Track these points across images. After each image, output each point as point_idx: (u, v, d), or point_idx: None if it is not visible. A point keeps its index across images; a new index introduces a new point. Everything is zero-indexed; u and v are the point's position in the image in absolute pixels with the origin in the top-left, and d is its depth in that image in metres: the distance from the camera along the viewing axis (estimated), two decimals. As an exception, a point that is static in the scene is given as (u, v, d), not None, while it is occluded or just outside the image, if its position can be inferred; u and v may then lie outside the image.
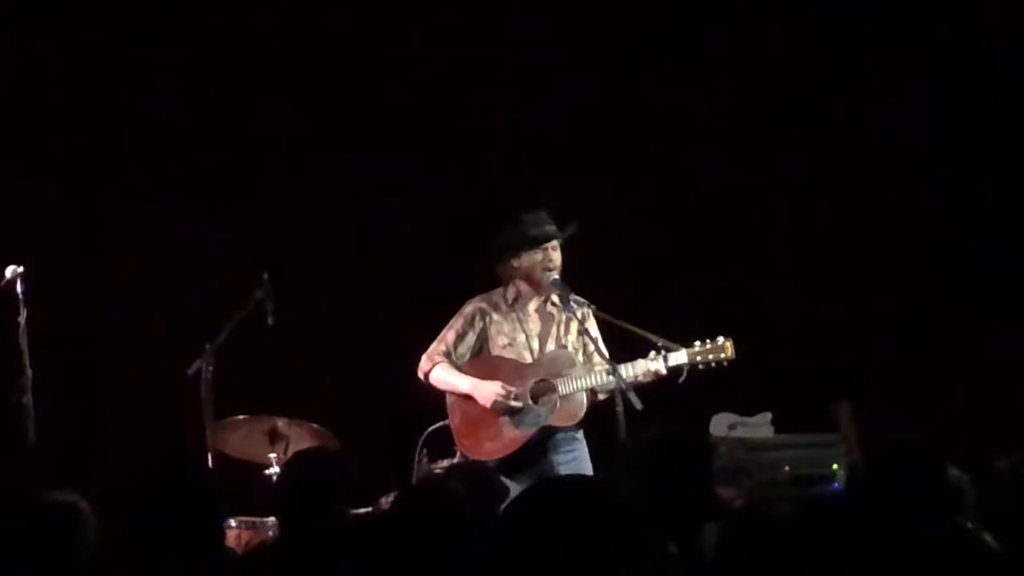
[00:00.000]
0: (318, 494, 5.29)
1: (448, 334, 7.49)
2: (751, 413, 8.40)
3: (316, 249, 9.21)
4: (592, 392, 7.29)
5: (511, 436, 7.33)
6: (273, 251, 8.62)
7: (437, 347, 7.48)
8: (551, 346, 7.45)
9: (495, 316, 7.48)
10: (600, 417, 7.29)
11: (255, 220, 9.13)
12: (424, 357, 7.49)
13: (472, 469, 6.78)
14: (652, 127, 9.42)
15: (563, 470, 7.22)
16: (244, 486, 7.40)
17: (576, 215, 7.43)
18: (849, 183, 9.40)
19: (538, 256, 7.38)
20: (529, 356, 7.43)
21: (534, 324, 7.48)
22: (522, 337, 7.46)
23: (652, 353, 7.18)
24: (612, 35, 9.43)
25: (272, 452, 7.52)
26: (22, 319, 7.45)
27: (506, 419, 7.34)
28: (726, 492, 7.20)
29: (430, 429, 7.50)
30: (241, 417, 7.64)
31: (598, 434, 7.33)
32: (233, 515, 7.23)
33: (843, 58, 9.39)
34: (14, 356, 7.44)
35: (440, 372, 7.43)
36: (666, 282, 9.12)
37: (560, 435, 7.34)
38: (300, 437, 7.50)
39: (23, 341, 7.44)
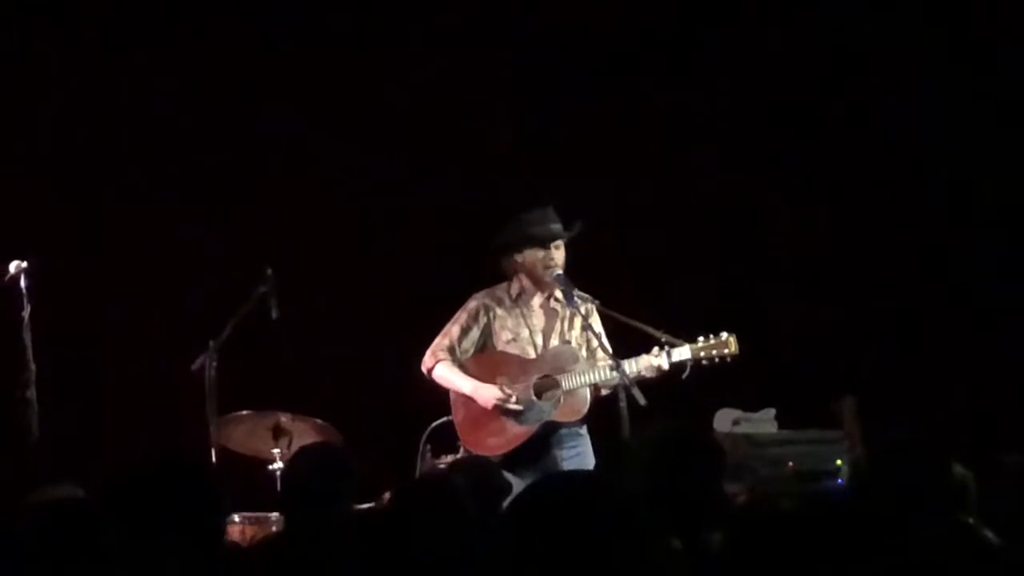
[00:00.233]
0: (322, 489, 5.29)
1: (452, 329, 7.49)
2: (755, 409, 8.39)
3: (319, 245, 9.21)
4: (595, 388, 7.30)
5: (514, 432, 7.33)
6: (276, 247, 8.61)
7: (441, 342, 7.49)
8: (555, 341, 7.45)
9: (499, 311, 7.49)
10: (604, 413, 7.29)
11: (258, 215, 9.12)
12: (428, 352, 7.49)
13: (475, 465, 6.79)
14: (652, 127, 9.42)
15: (566, 466, 7.23)
16: (248, 481, 7.41)
17: (577, 214, 7.43)
18: (850, 180, 9.40)
19: (540, 253, 7.38)
20: (533, 351, 7.44)
21: (538, 319, 7.49)
22: (526, 332, 7.46)
23: (656, 349, 7.18)
24: (612, 35, 9.43)
25: (275, 448, 7.53)
26: (26, 314, 7.45)
27: (509, 415, 7.35)
28: (730, 488, 7.19)
29: (433, 425, 7.51)
30: (245, 412, 7.65)
31: (602, 430, 7.33)
32: (237, 510, 7.24)
33: (843, 58, 9.39)
34: (18, 351, 7.44)
35: (443, 370, 7.43)
36: (668, 278, 9.12)
37: (563, 431, 7.35)
38: (303, 433, 7.51)
39: (27, 336, 7.44)
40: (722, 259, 9.41)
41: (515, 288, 7.50)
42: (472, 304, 7.53)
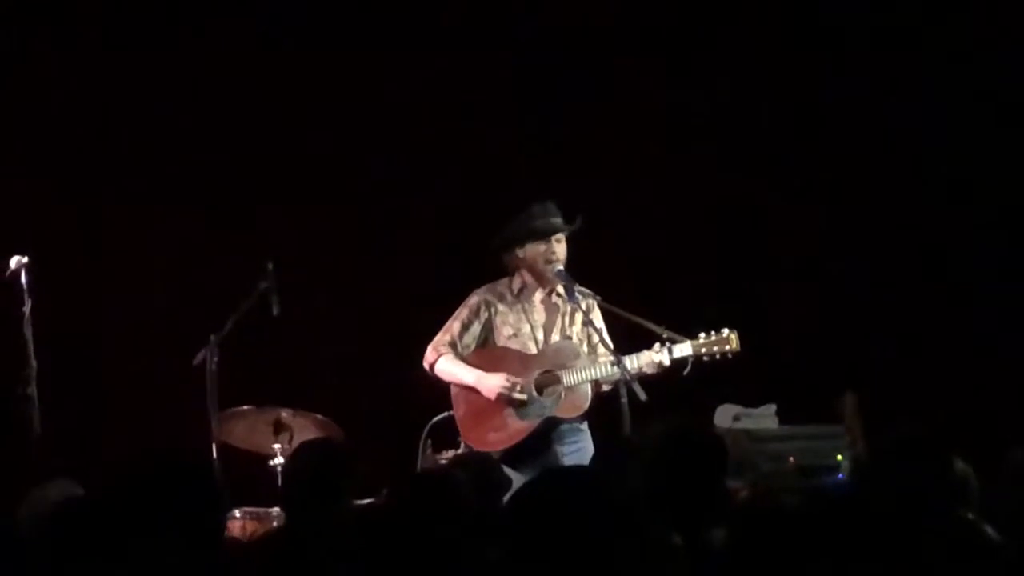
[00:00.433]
0: (323, 485, 5.29)
1: (453, 325, 7.49)
2: (755, 404, 8.39)
3: (320, 240, 9.21)
4: (596, 384, 7.29)
5: (515, 427, 7.33)
6: (277, 242, 8.61)
7: (442, 338, 7.49)
8: (556, 337, 7.45)
9: (500, 307, 7.49)
10: (605, 409, 7.29)
11: (259, 211, 9.12)
12: (429, 348, 7.49)
13: (475, 460, 6.78)
14: (652, 125, 9.41)
15: (567, 461, 7.23)
16: (248, 477, 7.41)
17: (578, 211, 7.43)
18: (850, 177, 9.40)
19: (541, 248, 7.38)
20: (534, 347, 7.44)
21: (539, 315, 7.49)
22: (527, 328, 7.46)
23: (657, 345, 7.18)
24: (612, 35, 9.43)
25: (276, 443, 7.52)
26: (27, 309, 7.45)
27: (510, 410, 7.35)
28: (730, 484, 7.19)
29: (434, 420, 7.51)
30: (246, 408, 7.65)
31: (603, 426, 7.33)
32: (237, 506, 7.25)
33: (841, 56, 9.39)
34: (19, 346, 7.45)
35: (445, 363, 7.44)
36: (669, 275, 9.12)
37: (564, 426, 7.35)
38: (304, 428, 7.50)
39: (28, 331, 7.45)
40: (723, 255, 9.41)
41: (516, 284, 7.50)
42: (473, 300, 7.53)
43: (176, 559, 4.04)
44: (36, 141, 8.98)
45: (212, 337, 7.44)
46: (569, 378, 7.29)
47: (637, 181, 9.41)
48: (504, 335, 7.46)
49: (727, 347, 7.20)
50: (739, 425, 8.29)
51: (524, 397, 7.30)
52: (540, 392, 7.33)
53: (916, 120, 9.31)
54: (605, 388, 7.30)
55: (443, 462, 7.24)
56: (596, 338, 7.32)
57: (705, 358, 7.19)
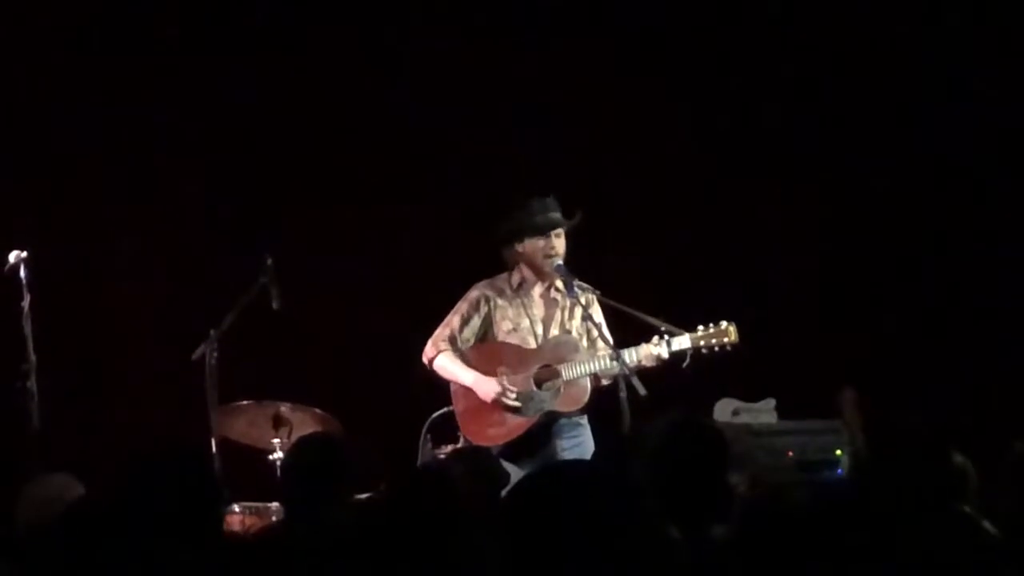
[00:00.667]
0: (322, 480, 5.29)
1: (453, 319, 7.49)
2: (755, 399, 8.39)
3: (320, 235, 9.21)
4: (596, 378, 7.29)
5: (515, 422, 7.34)
6: (277, 236, 8.62)
7: (442, 332, 7.49)
8: (555, 331, 7.46)
9: (499, 301, 7.49)
10: (604, 403, 7.29)
11: (259, 205, 9.13)
12: (429, 343, 7.50)
13: (473, 454, 6.79)
14: (652, 122, 9.41)
15: (567, 455, 7.23)
16: (248, 471, 7.41)
17: (579, 202, 7.43)
18: (851, 170, 9.40)
19: (541, 242, 7.38)
20: (533, 341, 7.44)
21: (538, 309, 7.49)
22: (526, 322, 7.46)
23: (655, 338, 7.18)
24: (614, 34, 9.43)
25: (276, 437, 7.53)
26: (25, 304, 7.45)
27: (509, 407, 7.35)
28: (729, 478, 7.20)
29: (435, 415, 7.51)
30: (245, 402, 7.65)
31: (602, 420, 7.33)
32: (237, 500, 7.25)
33: (839, 53, 9.41)
34: (18, 341, 7.45)
35: (444, 361, 7.44)
36: (668, 269, 9.11)
37: (564, 421, 7.35)
38: (304, 422, 7.51)
39: (27, 326, 7.45)
40: (724, 244, 9.41)
41: (516, 278, 7.51)
42: (473, 294, 7.53)
43: (175, 553, 4.04)
44: (35, 136, 8.97)
45: (211, 332, 7.44)
46: (568, 372, 7.29)
47: (638, 169, 9.41)
48: (503, 329, 7.46)
49: (726, 339, 7.19)
50: (738, 420, 8.29)
51: (519, 405, 7.30)
52: (539, 386, 7.33)
53: (916, 116, 9.32)
54: (605, 382, 7.30)
55: (442, 456, 7.25)
56: (595, 332, 7.32)
57: (704, 351, 7.19)
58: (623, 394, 7.05)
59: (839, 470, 7.97)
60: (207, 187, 9.13)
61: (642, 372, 7.05)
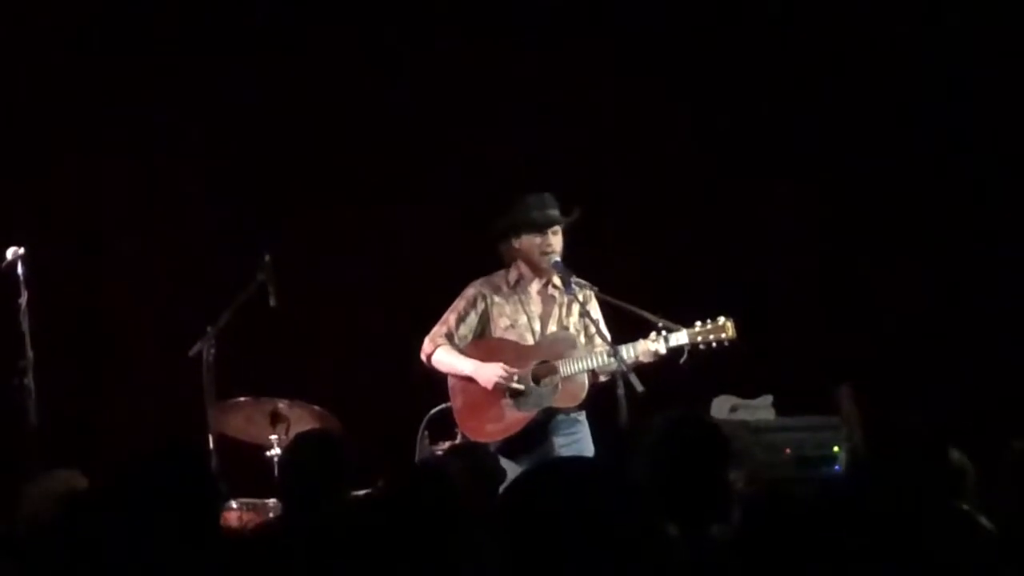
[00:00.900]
0: (320, 476, 5.29)
1: (450, 316, 7.50)
2: (752, 395, 8.39)
3: (317, 232, 9.21)
4: (593, 374, 7.29)
5: (513, 418, 7.34)
6: (275, 233, 8.62)
7: (439, 329, 7.50)
8: (552, 328, 7.46)
9: (497, 298, 7.49)
10: (602, 400, 7.29)
11: (257, 202, 9.13)
12: (426, 339, 7.50)
13: (471, 450, 6.79)
14: (651, 118, 9.41)
15: (563, 452, 7.23)
16: (245, 468, 7.41)
17: (578, 201, 7.43)
18: (849, 165, 9.40)
19: (537, 239, 7.39)
20: (531, 338, 7.44)
21: (536, 306, 7.49)
22: (524, 319, 7.46)
23: (653, 334, 7.17)
24: (613, 33, 9.43)
25: (273, 434, 7.53)
26: (23, 300, 7.45)
27: (508, 401, 7.35)
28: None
29: (432, 411, 7.51)
30: (242, 399, 7.65)
31: (600, 417, 7.33)
32: (234, 497, 7.25)
33: (837, 49, 9.42)
34: (15, 338, 7.44)
35: (442, 354, 7.44)
36: (666, 265, 9.12)
37: (561, 417, 7.35)
38: (301, 419, 7.51)
39: (24, 323, 7.44)
40: (722, 240, 9.41)
41: (513, 275, 7.51)
42: (470, 291, 7.53)
43: (173, 550, 4.04)
44: (33, 133, 8.97)
45: (209, 328, 7.45)
46: (566, 368, 7.29)
47: (637, 165, 9.42)
48: (501, 326, 7.47)
49: (723, 335, 7.19)
50: (736, 416, 8.29)
51: (521, 387, 7.30)
52: (537, 382, 7.33)
53: (916, 113, 9.32)
54: (602, 378, 7.30)
55: (439, 453, 7.25)
56: (593, 329, 7.32)
57: (701, 346, 7.18)
58: (621, 391, 7.04)
59: (837, 466, 7.97)
60: (207, 186, 9.13)
61: (640, 368, 7.05)
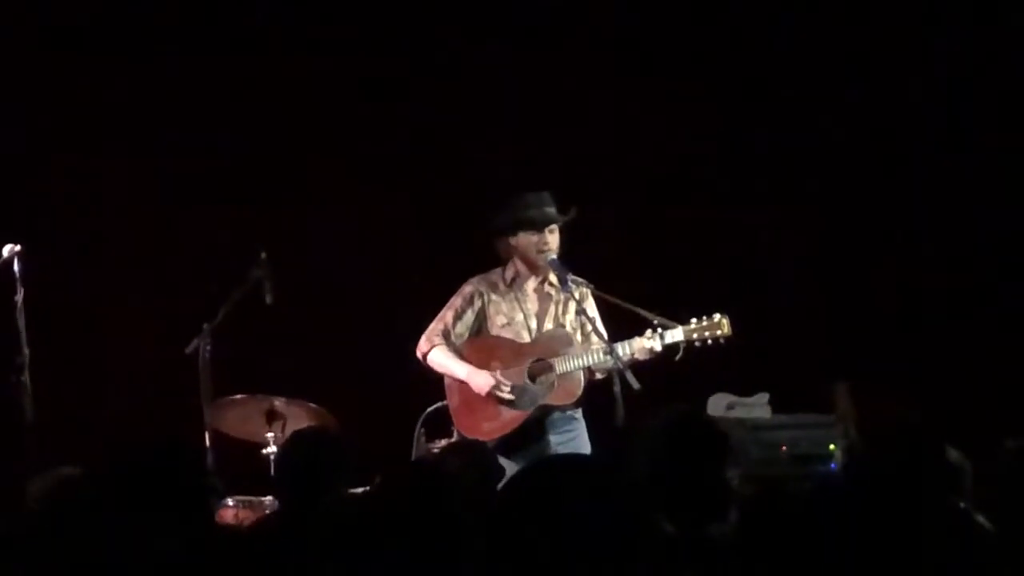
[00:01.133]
0: (316, 474, 5.29)
1: (447, 314, 7.49)
2: (749, 393, 8.40)
3: (313, 229, 9.21)
4: (589, 371, 7.29)
5: (509, 416, 7.33)
6: (271, 231, 8.61)
7: (436, 327, 7.49)
8: (549, 325, 7.45)
9: (493, 296, 7.48)
10: (598, 398, 7.29)
11: (253, 199, 9.12)
12: (423, 337, 7.49)
13: (468, 448, 6.78)
14: (651, 116, 9.41)
15: (561, 450, 7.22)
16: (241, 465, 7.41)
17: (576, 199, 7.42)
18: (846, 164, 9.40)
19: (534, 237, 7.38)
20: (527, 335, 7.44)
21: (532, 304, 7.48)
22: (520, 317, 7.46)
23: (649, 331, 7.17)
24: (612, 32, 9.43)
25: (269, 432, 7.53)
26: (19, 298, 7.44)
27: (503, 401, 7.35)
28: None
29: (429, 409, 7.51)
30: (239, 396, 7.65)
31: (596, 414, 7.33)
32: (230, 494, 7.25)
33: (835, 47, 9.42)
34: (11, 335, 7.44)
35: (438, 355, 7.43)
36: (662, 262, 9.12)
37: (558, 414, 7.35)
38: (297, 416, 7.51)
39: (20, 320, 7.44)
40: (720, 238, 9.41)
41: (509, 272, 7.50)
42: (467, 289, 7.53)
43: (169, 544, 4.04)
44: (30, 130, 8.97)
45: (205, 326, 7.45)
46: (562, 366, 7.29)
47: (633, 161, 9.42)
48: (497, 324, 7.46)
49: (718, 332, 7.19)
50: (732, 414, 8.30)
51: (512, 397, 7.30)
52: (533, 380, 7.33)
53: (915, 111, 9.33)
54: (598, 376, 7.30)
55: (436, 451, 7.25)
56: (589, 327, 7.32)
57: (697, 343, 7.18)
58: (617, 388, 7.04)
59: (833, 464, 7.97)
60: (206, 184, 9.12)
61: (636, 366, 7.05)
